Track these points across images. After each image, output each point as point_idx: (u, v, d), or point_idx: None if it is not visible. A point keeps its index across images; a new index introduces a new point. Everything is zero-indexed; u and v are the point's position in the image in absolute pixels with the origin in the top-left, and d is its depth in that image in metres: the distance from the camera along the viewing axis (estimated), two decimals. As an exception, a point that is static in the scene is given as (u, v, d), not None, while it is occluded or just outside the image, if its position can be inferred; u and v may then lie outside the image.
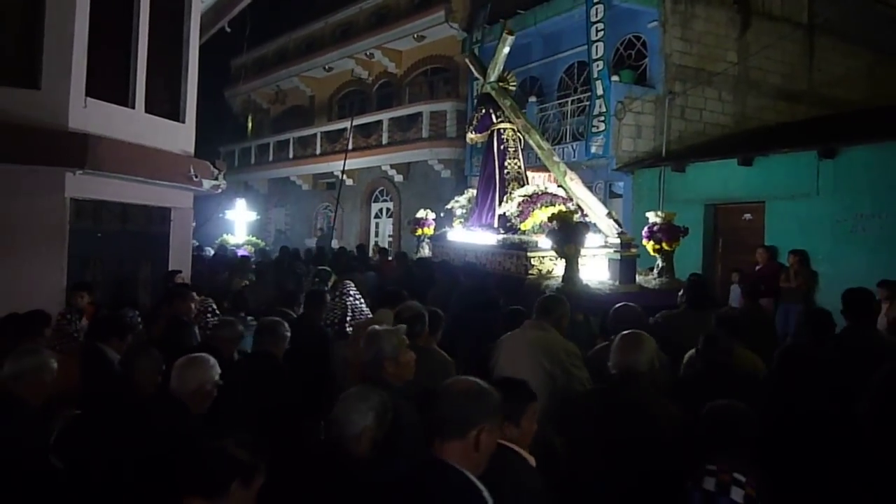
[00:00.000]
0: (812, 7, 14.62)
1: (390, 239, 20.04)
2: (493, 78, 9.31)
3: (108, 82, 7.77)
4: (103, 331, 4.42)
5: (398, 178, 19.74)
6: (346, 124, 20.39)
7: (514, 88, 9.65)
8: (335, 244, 18.87)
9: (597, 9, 12.93)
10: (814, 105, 13.98)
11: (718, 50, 13.54)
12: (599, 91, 12.88)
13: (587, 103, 13.34)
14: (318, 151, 21.40)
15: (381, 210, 21.28)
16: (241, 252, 13.93)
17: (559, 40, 15.12)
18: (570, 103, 14.07)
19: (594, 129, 12.90)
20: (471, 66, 10.52)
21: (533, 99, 15.04)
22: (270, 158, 24.09)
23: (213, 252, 13.78)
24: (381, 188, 21.18)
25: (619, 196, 13.57)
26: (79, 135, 7.00)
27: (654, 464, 2.89)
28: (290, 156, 22.94)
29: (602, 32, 12.90)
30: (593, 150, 12.91)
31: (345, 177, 21.52)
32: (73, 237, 7.39)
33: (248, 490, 2.10)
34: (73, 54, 7.13)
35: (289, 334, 4.18)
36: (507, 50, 9.13)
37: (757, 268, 9.95)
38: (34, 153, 6.74)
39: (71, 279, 7.08)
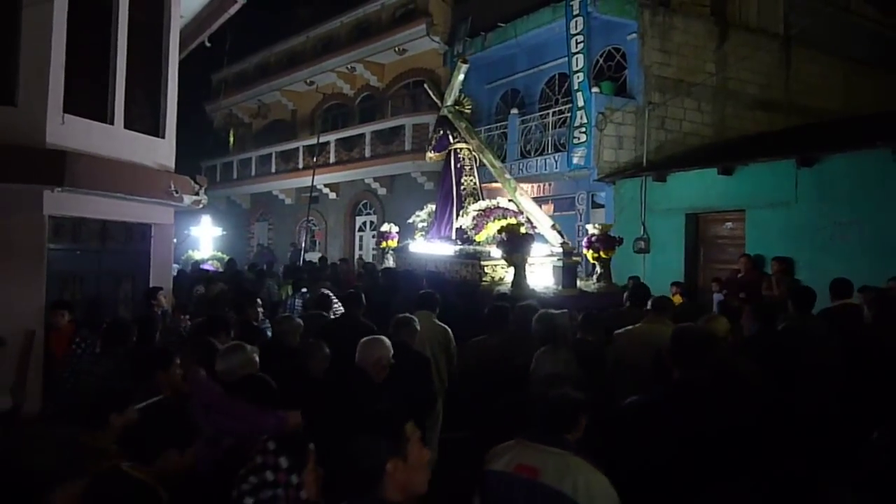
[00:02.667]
0: (788, 18, 14.85)
1: (374, 252, 19.99)
2: (449, 102, 10.09)
3: (86, 98, 7.67)
4: (215, 327, 4.95)
5: (382, 190, 19.72)
6: (329, 138, 20.42)
7: (468, 112, 10.40)
8: (314, 257, 18.81)
9: (576, 21, 13.04)
10: (791, 114, 14.17)
11: (697, 61, 13.70)
12: (580, 102, 12.98)
13: (568, 115, 13.43)
14: (300, 165, 21.35)
15: (364, 223, 21.24)
16: (206, 266, 13.98)
17: (540, 52, 15.23)
18: (551, 115, 14.15)
19: (575, 141, 12.98)
20: (429, 92, 11.14)
21: (515, 111, 15.13)
22: (253, 173, 23.97)
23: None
24: (365, 201, 21.15)
25: (602, 206, 13.64)
26: (56, 152, 6.91)
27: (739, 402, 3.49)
28: (273, 170, 22.85)
29: (582, 45, 13.02)
30: (575, 161, 12.98)
31: (328, 190, 21.55)
32: (52, 255, 7.29)
33: (585, 419, 2.80)
34: (49, 70, 7.04)
35: (419, 327, 4.96)
36: (461, 77, 9.94)
37: (739, 275, 10.02)
38: (11, 171, 6.63)
39: (50, 298, 6.96)
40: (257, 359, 3.95)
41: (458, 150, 9.97)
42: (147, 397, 3.44)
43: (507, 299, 6.33)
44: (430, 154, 10.61)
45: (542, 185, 15.19)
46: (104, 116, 7.89)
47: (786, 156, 10.21)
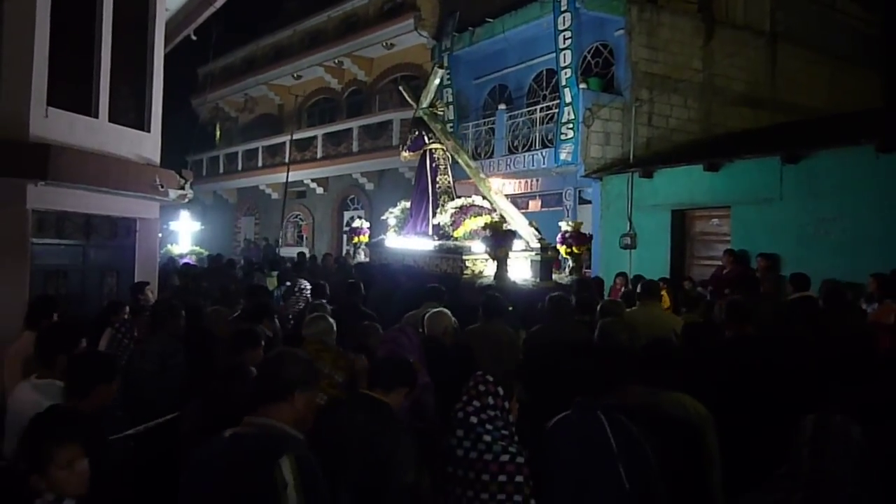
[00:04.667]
0: (774, 16, 14.94)
1: (347, 247, 19.97)
2: (425, 104, 10.51)
3: (71, 91, 7.60)
4: (258, 314, 5.40)
5: (369, 185, 19.69)
6: (316, 132, 20.34)
7: (442, 114, 10.93)
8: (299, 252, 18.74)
9: (564, 17, 13.06)
10: (777, 111, 14.26)
11: (684, 57, 13.75)
12: (568, 98, 13.00)
13: (556, 110, 13.45)
14: (287, 160, 21.26)
15: (352, 218, 21.18)
16: (185, 260, 14.09)
17: (528, 48, 15.23)
18: (539, 110, 14.17)
19: (563, 136, 13.00)
20: (405, 94, 11.37)
21: (502, 106, 15.12)
22: (239, 167, 23.85)
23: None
24: (353, 196, 21.11)
25: (589, 202, 13.68)
26: (40, 145, 6.84)
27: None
28: (259, 164, 22.74)
29: (570, 41, 13.04)
30: (562, 156, 13.01)
31: (315, 185, 21.48)
32: (36, 249, 7.23)
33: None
34: (33, 63, 6.97)
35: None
36: (437, 81, 10.46)
37: (724, 271, 10.08)
38: (-7, 164, 6.58)
39: (34, 292, 6.90)
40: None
41: (434, 151, 10.41)
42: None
43: (492, 290, 6.77)
44: (404, 153, 11.11)
45: (529, 181, 15.22)
46: (89, 110, 7.83)
47: (771, 153, 10.28)
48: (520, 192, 15.46)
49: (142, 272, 8.51)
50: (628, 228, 12.31)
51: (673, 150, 13.04)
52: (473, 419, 2.81)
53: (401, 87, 11.77)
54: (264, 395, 2.46)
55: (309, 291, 7.82)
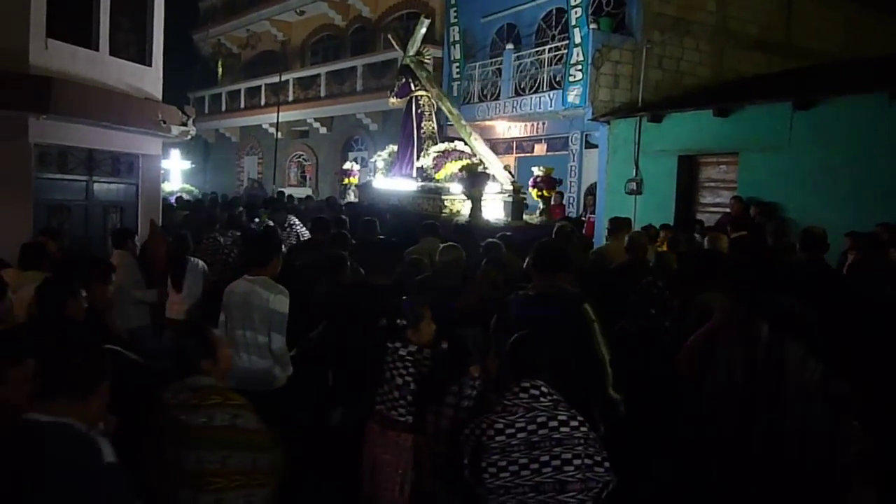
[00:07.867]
0: (792, -43, 14.47)
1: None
2: (411, 52, 11.04)
3: (71, 23, 7.47)
4: (341, 242, 5.84)
5: (373, 126, 19.46)
6: (319, 70, 20.00)
7: (428, 62, 11.58)
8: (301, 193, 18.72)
9: (576, -47, 12.65)
10: (790, 57, 13.95)
11: (697, -1, 13.39)
12: (577, 39, 12.70)
13: (565, 51, 13.17)
14: (290, 98, 20.96)
15: (356, 159, 21.01)
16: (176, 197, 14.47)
17: (538, -14, 14.81)
18: (547, 51, 13.86)
19: (571, 78, 12.77)
20: (392, 42, 11.94)
21: (510, 46, 14.79)
22: (242, 105, 23.54)
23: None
24: (357, 136, 20.89)
25: (595, 147, 13.53)
26: (42, 77, 6.75)
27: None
28: (262, 103, 22.43)
29: (581, -22, 12.66)
30: (570, 99, 12.80)
31: (318, 125, 21.25)
32: (39, 184, 7.22)
33: None
34: (32, -8, 6.83)
35: None
36: (423, 30, 11.00)
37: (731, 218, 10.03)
38: (-6, 96, 6.50)
39: (37, 227, 6.92)
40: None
41: (419, 97, 10.99)
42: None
43: (466, 228, 7.51)
44: (392, 99, 11.66)
45: (535, 124, 15.02)
46: (89, 42, 7.70)
47: (782, 98, 10.10)
48: (525, 135, 15.27)
49: (146, 209, 8.51)
50: (634, 174, 12.20)
51: (683, 94, 12.82)
52: (653, 310, 3.88)
53: (389, 35, 12.23)
54: (554, 265, 3.54)
55: (299, 227, 8.28)
